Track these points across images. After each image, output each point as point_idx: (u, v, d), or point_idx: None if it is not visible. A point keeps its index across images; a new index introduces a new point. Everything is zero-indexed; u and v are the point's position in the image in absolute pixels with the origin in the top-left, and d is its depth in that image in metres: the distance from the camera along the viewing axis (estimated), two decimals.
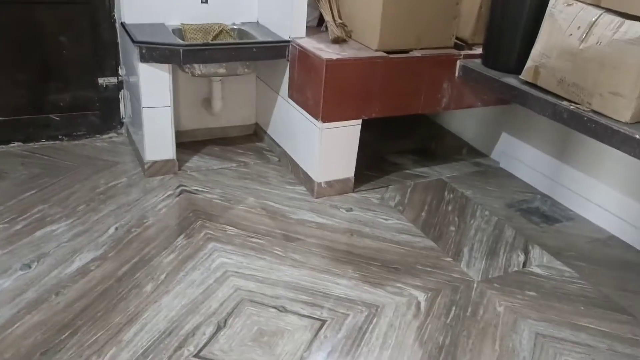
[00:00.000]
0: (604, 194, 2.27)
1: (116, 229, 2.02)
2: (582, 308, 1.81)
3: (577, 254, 2.10)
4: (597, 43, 1.80)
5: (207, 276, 1.81)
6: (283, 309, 1.71)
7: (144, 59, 2.16)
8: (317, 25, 2.51)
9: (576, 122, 1.87)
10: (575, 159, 2.38)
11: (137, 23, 2.34)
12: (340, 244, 2.05)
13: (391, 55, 2.19)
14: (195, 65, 2.32)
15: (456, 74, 2.35)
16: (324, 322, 1.67)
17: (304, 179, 2.40)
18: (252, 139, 2.86)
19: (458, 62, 2.33)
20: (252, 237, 2.04)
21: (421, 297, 1.80)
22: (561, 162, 2.45)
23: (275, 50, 2.31)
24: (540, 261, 2.04)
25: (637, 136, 1.69)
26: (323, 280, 1.85)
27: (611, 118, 1.79)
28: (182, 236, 2.01)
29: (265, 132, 2.78)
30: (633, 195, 2.15)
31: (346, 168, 2.37)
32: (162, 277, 1.79)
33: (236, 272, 1.85)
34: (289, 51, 2.32)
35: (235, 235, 2.04)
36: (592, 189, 2.32)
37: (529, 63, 2.05)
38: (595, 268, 2.02)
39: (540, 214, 2.37)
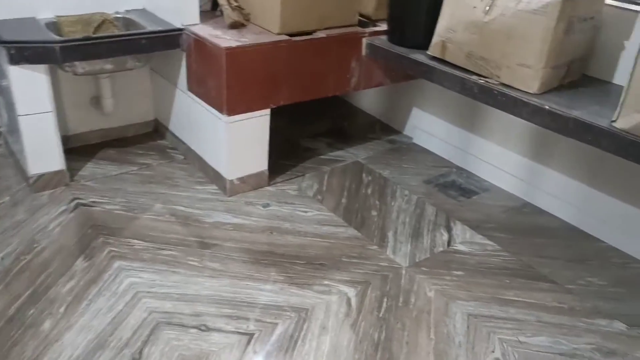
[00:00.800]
0: (514, 162, 2.31)
1: (2, 258, 1.76)
2: (507, 281, 1.82)
3: (496, 225, 2.12)
4: (501, 14, 1.77)
5: (115, 302, 1.62)
6: (205, 328, 1.56)
7: (13, 60, 1.87)
8: (211, 9, 2.31)
9: (486, 96, 1.85)
10: (486, 130, 2.40)
11: (1, 19, 2.01)
12: (260, 245, 1.92)
13: (295, 38, 2.05)
14: (77, 63, 2.05)
15: (363, 53, 2.26)
16: (251, 335, 1.55)
17: (214, 177, 2.23)
18: (152, 136, 2.62)
19: (364, 41, 2.24)
20: (163, 249, 1.85)
21: (351, 292, 1.73)
22: (472, 134, 2.46)
23: (167, 40, 2.09)
24: (463, 237, 2.04)
25: (547, 107, 1.69)
26: (246, 288, 1.72)
27: (520, 90, 1.78)
28: (81, 258, 1.78)
29: (167, 129, 2.55)
30: (542, 161, 2.20)
31: (258, 161, 2.23)
32: (62, 310, 1.58)
33: (148, 292, 1.67)
34: (183, 40, 2.11)
35: (143, 249, 1.84)
36: (503, 158, 2.35)
37: (435, 38, 2.00)
38: (513, 237, 2.05)
39: (457, 188, 2.37)
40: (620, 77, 1.89)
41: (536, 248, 2.00)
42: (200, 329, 1.56)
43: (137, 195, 2.14)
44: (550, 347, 1.57)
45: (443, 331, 1.61)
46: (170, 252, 1.84)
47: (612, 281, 1.85)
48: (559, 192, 2.17)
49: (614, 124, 1.56)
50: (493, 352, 1.55)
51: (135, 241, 1.88)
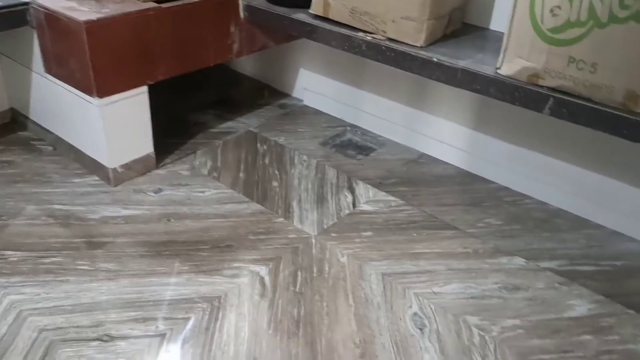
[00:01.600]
0: (404, 114, 2.33)
1: None
2: (415, 234, 1.85)
3: (397, 180, 2.14)
4: None
5: None
6: (108, 338, 1.41)
7: None
8: None
9: (375, 52, 1.81)
10: (374, 84, 2.39)
11: None
12: (158, 235, 1.76)
13: (164, 5, 1.86)
14: None
15: (241, 15, 2.12)
16: (162, 336, 1.43)
17: (94, 167, 2.01)
18: (11, 128, 2.29)
19: (240, 2, 2.10)
20: (44, 257, 1.64)
21: (263, 271, 1.65)
22: (362, 90, 2.44)
23: (11, 17, 1.79)
24: (367, 197, 2.03)
25: (435, 59, 1.69)
26: (149, 285, 1.57)
27: (407, 44, 1.76)
28: None
29: (27, 118, 2.24)
30: (431, 111, 2.24)
31: (142, 143, 2.03)
32: None
33: (34, 308, 1.47)
34: (31, 16, 1.82)
35: (20, 260, 1.61)
36: (394, 111, 2.37)
37: None
38: (415, 190, 2.09)
39: (355, 146, 2.36)
40: (497, 23, 1.94)
41: (437, 197, 2.05)
42: (102, 340, 1.40)
43: (3, 199, 1.86)
44: (462, 293, 1.63)
45: (361, 295, 1.60)
46: (54, 259, 1.63)
47: (507, 219, 1.95)
48: (450, 139, 2.23)
49: (499, 71, 1.60)
50: (411, 307, 1.57)
51: (9, 252, 1.63)
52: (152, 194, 1.96)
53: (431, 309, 1.57)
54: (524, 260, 1.76)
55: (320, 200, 2.00)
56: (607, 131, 1.46)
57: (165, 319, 1.48)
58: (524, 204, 2.05)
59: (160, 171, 2.09)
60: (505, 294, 1.64)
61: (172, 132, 2.33)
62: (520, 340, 1.49)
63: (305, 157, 2.24)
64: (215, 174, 2.10)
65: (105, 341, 1.40)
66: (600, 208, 1.92)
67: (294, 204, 1.97)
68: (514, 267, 1.74)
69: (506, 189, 2.12)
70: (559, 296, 1.63)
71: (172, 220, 1.84)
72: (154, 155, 2.08)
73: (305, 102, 2.68)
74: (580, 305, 1.61)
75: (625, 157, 1.83)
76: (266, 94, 2.77)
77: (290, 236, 1.81)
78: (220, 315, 1.50)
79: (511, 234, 1.88)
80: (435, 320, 1.53)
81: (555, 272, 1.72)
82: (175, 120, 2.45)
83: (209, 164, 2.16)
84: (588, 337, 1.51)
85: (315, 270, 1.68)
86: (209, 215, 1.87)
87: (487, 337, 1.49)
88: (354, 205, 1.98)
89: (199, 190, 2.00)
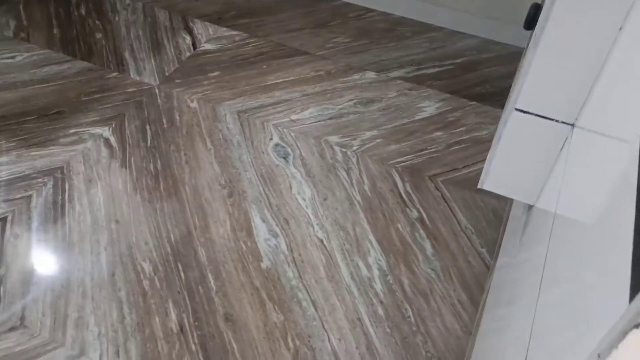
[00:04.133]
0: None
1: None
2: (265, 66, 1.76)
3: (237, 12, 1.97)
4: None
5: None
6: None
7: None
8: None
9: None
10: None
11: None
12: None
13: None
14: None
15: None
16: (4, 219, 1.27)
17: None
18: None
19: None
20: None
21: (106, 132, 1.49)
22: None
23: None
24: (207, 35, 1.86)
25: None
26: None
27: None
28: None
29: None
30: None
31: None
32: None
33: None
34: None
35: None
36: None
37: None
38: (258, 20, 1.95)
39: None
40: None
41: (282, 24, 1.94)
42: None
43: None
44: (320, 115, 1.62)
45: (219, 137, 1.52)
46: None
47: (355, 35, 1.92)
48: None
49: None
50: (271, 139, 1.54)
51: None
52: None
53: (292, 136, 1.55)
54: (375, 73, 1.77)
55: (156, 46, 1.79)
56: None
57: (4, 201, 1.31)
58: (369, 17, 2.01)
59: None
60: (361, 108, 1.66)
61: None
62: (379, 148, 1.54)
63: (128, 1, 1.96)
64: (23, 35, 1.77)
65: None
66: (439, 9, 1.94)
67: (127, 55, 1.74)
68: (366, 81, 1.75)
69: (349, 4, 2.06)
70: (409, 101, 1.69)
71: None
72: None
73: None
74: (429, 106, 1.68)
75: None
76: None
77: (129, 90, 1.63)
78: (66, 186, 1.36)
79: (360, 49, 1.86)
80: (298, 146, 1.52)
81: (405, 79, 1.76)
82: None
83: (13, 24, 1.80)
84: (439, 133, 1.60)
85: (165, 121, 1.55)
86: (27, 83, 1.60)
87: (349, 152, 1.52)
88: (194, 46, 1.81)
89: (8, 56, 1.68)
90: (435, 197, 1.43)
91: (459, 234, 1.35)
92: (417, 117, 1.64)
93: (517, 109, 0.86)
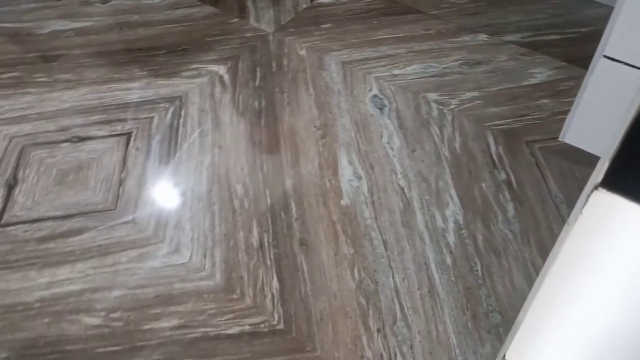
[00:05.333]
0: None
1: None
2: (376, 22, 1.80)
3: None
4: None
5: None
6: (77, 139, 1.46)
7: None
8: None
9: None
10: None
11: None
12: (112, 45, 1.73)
13: None
14: None
15: None
16: (129, 134, 1.47)
17: None
18: None
19: None
20: (1, 72, 1.62)
21: (222, 70, 1.64)
22: None
23: None
24: None
25: None
26: (110, 91, 1.58)
27: None
28: None
29: None
30: None
31: None
32: None
33: (1, 119, 1.49)
34: None
35: None
36: None
37: None
38: None
39: None
40: None
41: None
42: (72, 142, 1.45)
43: None
44: (423, 73, 1.63)
45: (321, 84, 1.61)
46: (11, 75, 1.62)
47: None
48: None
49: None
50: (371, 90, 1.59)
51: None
52: (100, 5, 1.87)
53: (391, 90, 1.58)
54: (488, 35, 1.73)
55: None
56: None
57: (131, 119, 1.51)
58: None
59: None
60: (466, 69, 1.64)
61: None
62: (477, 109, 1.52)
63: None
64: None
65: (75, 142, 1.45)
66: None
67: (249, 3, 1.88)
68: (477, 43, 1.72)
69: None
70: (520, 66, 1.63)
71: (125, 29, 1.78)
72: None
73: None
74: (540, 72, 1.62)
75: None
76: None
77: (246, 35, 1.76)
78: (182, 112, 1.53)
79: (476, 11, 1.82)
80: (395, 99, 1.56)
81: (519, 44, 1.70)
82: None
83: None
84: (545, 100, 1.54)
85: (274, 65, 1.67)
86: (162, 22, 1.81)
87: (445, 110, 1.52)
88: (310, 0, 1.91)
89: None
90: (529, 162, 1.39)
91: (547, 201, 1.31)
92: (525, 83, 1.59)
93: (605, 56, 0.82)
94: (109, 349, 1.10)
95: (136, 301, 1.16)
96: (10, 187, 1.35)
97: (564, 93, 1.55)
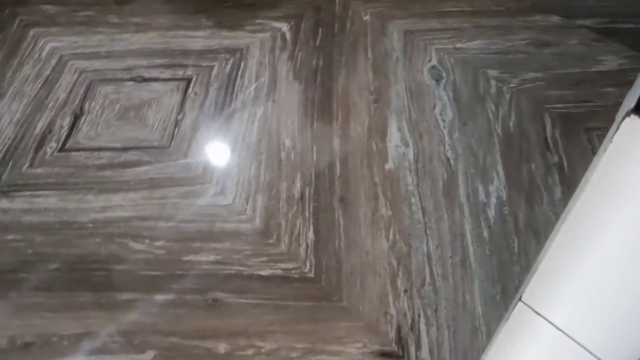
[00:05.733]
0: None
1: None
2: None
3: None
4: None
5: (42, 67, 1.55)
6: (141, 79, 1.53)
7: None
8: None
9: None
10: None
11: None
12: None
13: None
14: None
15: None
16: (189, 79, 1.53)
17: None
18: None
19: None
20: (77, 10, 1.72)
21: (284, 27, 1.67)
22: None
23: None
24: None
25: None
26: (176, 37, 1.64)
27: None
28: None
29: None
30: None
31: None
32: None
33: (73, 54, 1.59)
34: None
35: (56, 14, 1.70)
36: None
37: None
38: None
39: None
40: None
41: None
42: (136, 81, 1.52)
43: None
44: (486, 49, 1.60)
45: (380, 50, 1.60)
46: (86, 13, 1.71)
47: None
48: None
49: None
50: (430, 61, 1.57)
51: (47, 6, 1.73)
52: None
53: (450, 62, 1.56)
54: (560, 17, 1.67)
55: None
56: None
57: (192, 66, 1.57)
58: None
59: None
60: (532, 49, 1.59)
61: None
62: (538, 90, 1.48)
63: None
64: None
65: (139, 82, 1.52)
66: None
67: None
68: (548, 24, 1.66)
69: None
70: (590, 52, 1.57)
71: None
72: None
73: None
74: (610, 60, 1.55)
75: None
76: None
77: None
78: (242, 64, 1.57)
79: None
80: (453, 72, 1.54)
81: (592, 29, 1.63)
82: None
83: None
84: (611, 89, 1.48)
85: (336, 27, 1.67)
86: None
87: (504, 88, 1.49)
88: None
89: None
90: (585, 149, 1.35)
91: None
92: (592, 69, 1.53)
93: None
94: (151, 273, 1.17)
95: (179, 233, 1.23)
96: (77, 117, 1.44)
97: (632, 84, 1.48)
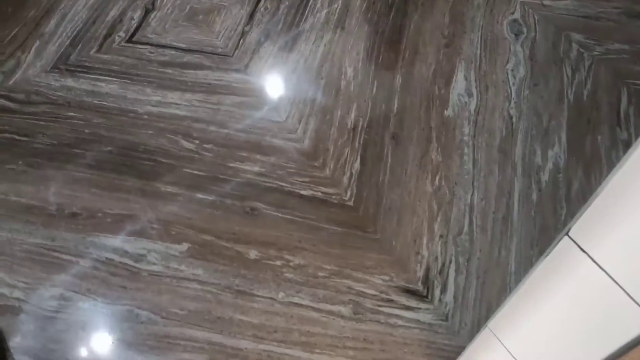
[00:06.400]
0: None
1: None
2: None
3: None
4: None
5: None
6: None
7: None
8: None
9: None
10: None
11: None
12: None
13: None
14: None
15: None
16: None
17: None
18: None
19: None
20: None
21: None
22: None
23: None
24: None
25: None
26: None
27: None
28: None
29: None
30: None
31: None
32: None
33: None
34: None
35: None
36: None
37: None
38: None
39: None
40: None
41: None
42: None
43: None
44: (575, 11, 1.50)
45: None
46: None
47: None
48: None
49: None
50: (512, 14, 1.49)
51: None
52: None
53: (534, 18, 1.48)
54: None
55: None
56: None
57: None
58: None
59: None
60: (624, 18, 1.48)
61: None
62: (621, 63, 1.39)
63: None
64: None
65: None
66: None
67: None
68: None
69: None
70: None
71: None
72: None
73: None
74: None
75: None
76: None
77: None
78: None
79: None
80: (535, 29, 1.46)
81: None
82: None
83: None
84: None
85: None
86: None
87: (585, 54, 1.41)
88: None
89: None
90: None
91: None
92: None
93: None
94: (195, 172, 1.19)
95: (228, 140, 1.24)
96: (148, 11, 1.45)
97: None
